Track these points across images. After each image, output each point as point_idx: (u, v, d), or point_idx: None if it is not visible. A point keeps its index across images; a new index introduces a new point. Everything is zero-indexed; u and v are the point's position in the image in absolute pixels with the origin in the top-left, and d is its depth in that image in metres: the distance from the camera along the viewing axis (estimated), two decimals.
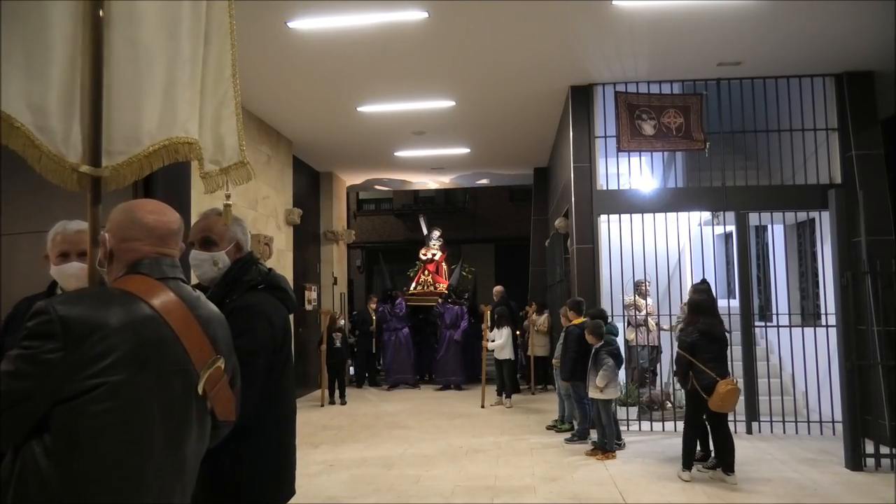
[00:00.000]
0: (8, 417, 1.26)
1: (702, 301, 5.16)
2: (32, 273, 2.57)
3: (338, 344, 9.28)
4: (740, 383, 6.60)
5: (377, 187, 12.60)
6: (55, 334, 1.28)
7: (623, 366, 6.42)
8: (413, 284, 11.74)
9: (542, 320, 9.61)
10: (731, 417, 6.37)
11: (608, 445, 5.76)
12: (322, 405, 8.91)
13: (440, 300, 10.76)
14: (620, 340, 6.86)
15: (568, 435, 6.49)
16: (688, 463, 5.06)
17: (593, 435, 6.05)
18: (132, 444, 1.35)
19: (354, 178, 12.44)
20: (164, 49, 1.88)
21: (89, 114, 1.73)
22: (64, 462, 1.28)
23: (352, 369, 10.86)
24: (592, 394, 5.89)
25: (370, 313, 10.83)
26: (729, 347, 5.58)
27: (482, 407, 8.57)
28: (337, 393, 9.17)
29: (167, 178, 2.59)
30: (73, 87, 1.72)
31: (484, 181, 12.51)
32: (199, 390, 1.48)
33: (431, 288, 11.41)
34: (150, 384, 1.38)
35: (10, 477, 1.29)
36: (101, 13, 1.73)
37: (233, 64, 2.09)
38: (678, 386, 6.43)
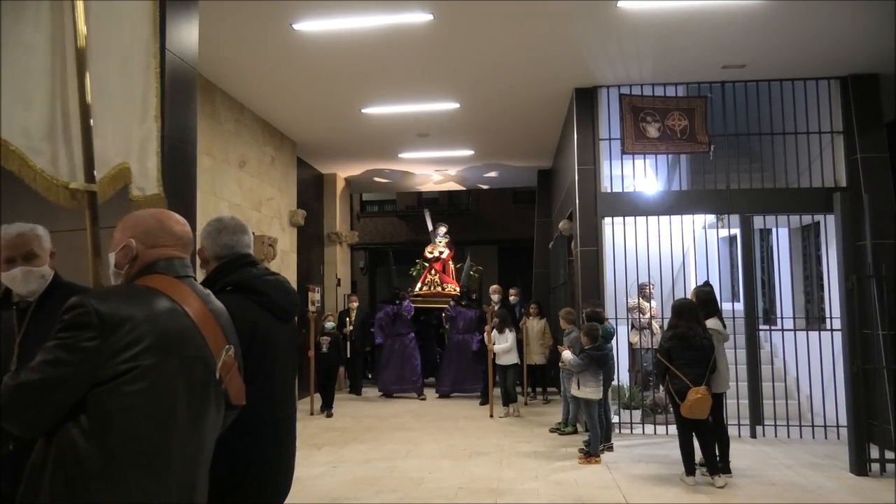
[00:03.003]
0: (47, 402, 1.39)
1: (683, 304, 5.17)
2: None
3: (324, 349, 8.30)
4: (743, 387, 6.62)
5: (376, 179, 12.13)
6: (92, 325, 1.42)
7: (615, 369, 6.43)
8: (419, 285, 10.96)
9: (541, 326, 8.96)
10: (734, 421, 6.40)
11: (591, 449, 5.75)
12: (312, 413, 8.24)
13: (452, 302, 9.91)
14: (623, 343, 6.85)
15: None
16: (689, 468, 5.04)
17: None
18: (161, 422, 1.48)
19: (355, 175, 12.13)
20: (116, 83, 2.13)
21: (81, 137, 1.95)
22: (99, 439, 1.40)
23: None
24: (573, 391, 5.98)
25: (350, 314, 9.96)
26: (734, 351, 5.59)
27: (491, 417, 7.95)
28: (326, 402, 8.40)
29: (173, 184, 2.62)
30: (54, 113, 1.94)
31: (493, 173, 12.07)
32: (217, 375, 1.63)
33: (438, 288, 10.71)
34: (176, 368, 1.52)
35: (45, 461, 1.41)
36: (81, 44, 1.96)
37: (158, 105, 2.33)
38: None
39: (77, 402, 1.41)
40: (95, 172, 2.02)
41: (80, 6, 1.94)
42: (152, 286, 1.59)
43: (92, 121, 1.98)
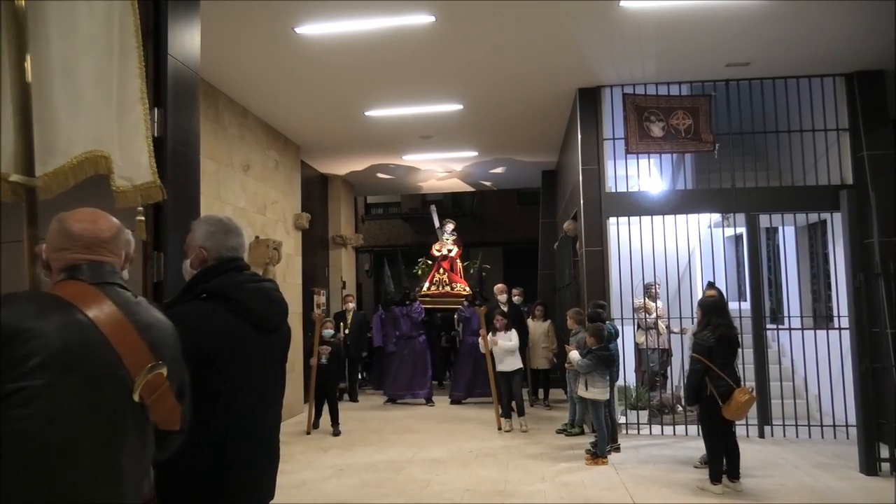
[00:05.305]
0: None
1: (717, 301, 5.01)
2: (40, 280, 2.59)
3: (323, 360, 7.31)
4: (750, 387, 6.57)
5: (379, 175, 11.91)
6: None
7: (621, 369, 6.40)
8: (426, 284, 10.38)
9: (545, 329, 8.73)
10: (741, 421, 6.34)
11: (598, 451, 5.71)
12: (309, 432, 7.32)
13: (466, 303, 9.42)
14: (630, 344, 6.79)
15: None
16: (719, 475, 4.80)
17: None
18: (58, 449, 1.31)
19: (357, 172, 11.73)
20: (82, 65, 2.01)
21: (20, 129, 1.84)
22: None
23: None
24: (580, 392, 5.97)
25: (346, 317, 9.49)
26: (741, 350, 5.55)
27: (499, 430, 7.20)
28: (329, 418, 7.46)
29: (176, 189, 2.60)
30: None
31: (499, 169, 11.76)
32: (136, 397, 1.43)
33: (447, 288, 10.17)
34: (75, 389, 1.33)
35: None
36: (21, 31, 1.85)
37: (142, 89, 2.18)
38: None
39: None
40: (45, 164, 1.89)
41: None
42: (59, 294, 1.42)
43: (36, 109, 1.85)
